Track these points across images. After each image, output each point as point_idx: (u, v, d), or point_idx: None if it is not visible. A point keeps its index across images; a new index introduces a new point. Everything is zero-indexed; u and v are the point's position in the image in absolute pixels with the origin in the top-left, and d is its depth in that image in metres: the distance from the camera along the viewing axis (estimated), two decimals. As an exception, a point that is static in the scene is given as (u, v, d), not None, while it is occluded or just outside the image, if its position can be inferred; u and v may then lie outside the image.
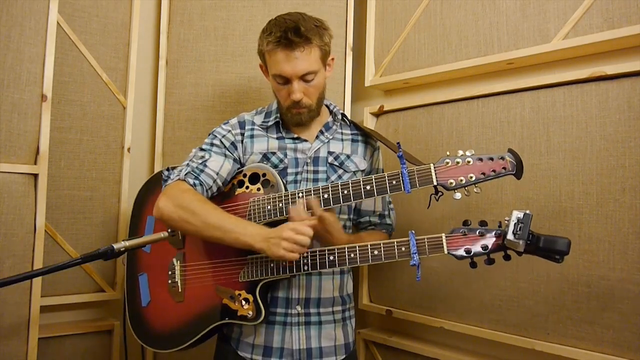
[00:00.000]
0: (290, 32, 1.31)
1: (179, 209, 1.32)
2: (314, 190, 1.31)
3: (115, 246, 1.19)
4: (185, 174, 1.39)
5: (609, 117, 1.34)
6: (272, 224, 1.35)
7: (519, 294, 1.47)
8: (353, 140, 1.53)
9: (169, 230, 1.35)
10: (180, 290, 1.48)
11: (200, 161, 1.41)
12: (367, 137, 1.56)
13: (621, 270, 1.30)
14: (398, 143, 1.28)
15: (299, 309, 1.41)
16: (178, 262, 1.50)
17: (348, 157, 1.49)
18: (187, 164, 1.43)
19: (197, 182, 1.38)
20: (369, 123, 1.91)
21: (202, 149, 1.46)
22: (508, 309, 1.49)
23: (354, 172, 1.49)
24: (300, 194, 1.32)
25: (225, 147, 1.45)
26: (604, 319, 1.32)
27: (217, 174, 1.41)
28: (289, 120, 1.44)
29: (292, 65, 1.33)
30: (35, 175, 1.64)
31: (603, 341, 1.32)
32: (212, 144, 1.46)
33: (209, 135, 1.49)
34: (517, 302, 1.47)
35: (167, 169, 1.48)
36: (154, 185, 1.69)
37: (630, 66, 1.31)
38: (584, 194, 1.37)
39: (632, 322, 1.27)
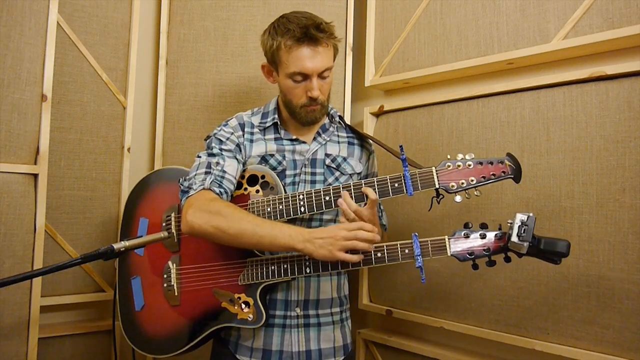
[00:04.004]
0: (312, 28, 1.30)
1: (213, 219, 1.28)
2: (315, 193, 1.31)
3: (115, 246, 1.19)
4: (210, 183, 1.35)
5: (609, 117, 1.34)
6: None
7: (519, 294, 1.47)
8: (349, 143, 1.53)
9: (168, 231, 1.34)
10: (176, 293, 1.47)
11: (219, 168, 1.38)
12: (362, 141, 1.56)
13: (621, 270, 1.30)
14: (401, 146, 1.29)
15: (298, 311, 1.41)
16: (174, 265, 1.49)
17: (344, 159, 1.49)
18: (206, 171, 1.38)
19: (221, 190, 1.35)
20: (369, 123, 1.91)
21: (212, 155, 1.42)
22: (508, 309, 1.49)
23: (350, 174, 1.49)
24: (301, 196, 1.32)
25: (233, 150, 1.43)
26: (604, 319, 1.32)
27: (235, 177, 1.40)
28: (303, 118, 1.41)
29: (314, 61, 1.32)
30: (35, 175, 1.64)
31: (603, 341, 1.32)
32: (221, 149, 1.42)
33: (212, 138, 1.45)
34: (517, 302, 1.47)
35: (185, 179, 1.42)
36: (145, 187, 1.67)
37: (630, 66, 1.31)
38: (584, 194, 1.37)
39: (632, 322, 1.27)
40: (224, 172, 1.38)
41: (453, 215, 1.62)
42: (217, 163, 1.39)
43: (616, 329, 1.30)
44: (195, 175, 1.40)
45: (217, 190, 1.35)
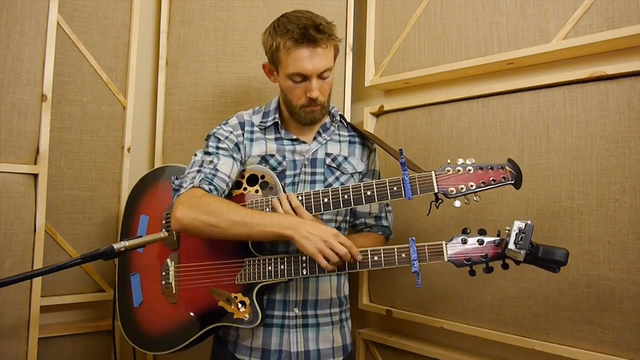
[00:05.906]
0: (311, 29, 1.29)
1: (201, 214, 1.28)
2: (314, 194, 1.31)
3: (115, 246, 1.19)
4: (200, 181, 1.35)
5: (609, 117, 1.34)
6: None
7: (519, 294, 1.47)
8: (350, 142, 1.53)
9: (168, 230, 1.34)
10: (174, 291, 1.47)
11: (211, 166, 1.38)
12: (364, 139, 1.55)
13: (621, 270, 1.30)
14: (400, 150, 1.28)
15: (297, 312, 1.41)
16: (172, 262, 1.49)
17: (345, 158, 1.49)
18: (198, 170, 1.39)
19: (212, 187, 1.35)
20: (369, 123, 1.91)
21: (208, 153, 1.42)
22: (508, 309, 1.49)
23: (351, 174, 1.49)
24: (300, 197, 1.32)
25: (230, 149, 1.43)
26: (604, 319, 1.32)
27: (229, 177, 1.39)
28: (302, 119, 1.41)
29: (314, 62, 1.31)
30: (35, 175, 1.64)
31: (603, 341, 1.32)
32: (218, 147, 1.42)
33: (211, 137, 1.46)
34: (517, 302, 1.47)
35: (177, 178, 1.43)
36: (147, 185, 1.68)
37: (630, 66, 1.31)
38: (584, 194, 1.37)
39: (632, 322, 1.27)
40: (217, 170, 1.38)
41: (453, 216, 1.62)
42: (211, 162, 1.39)
43: (616, 329, 1.30)
44: (188, 173, 1.40)
45: (206, 187, 1.35)
